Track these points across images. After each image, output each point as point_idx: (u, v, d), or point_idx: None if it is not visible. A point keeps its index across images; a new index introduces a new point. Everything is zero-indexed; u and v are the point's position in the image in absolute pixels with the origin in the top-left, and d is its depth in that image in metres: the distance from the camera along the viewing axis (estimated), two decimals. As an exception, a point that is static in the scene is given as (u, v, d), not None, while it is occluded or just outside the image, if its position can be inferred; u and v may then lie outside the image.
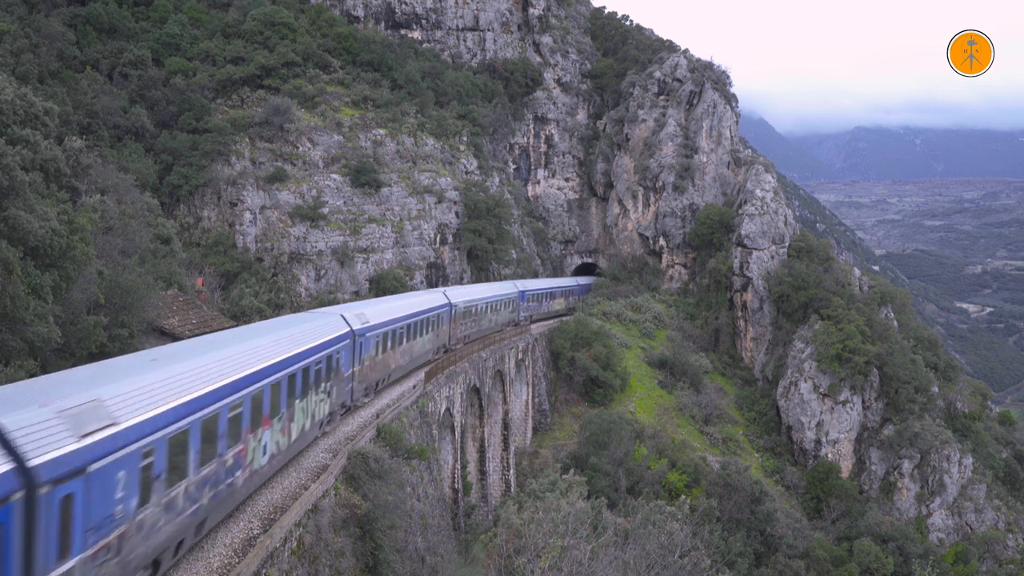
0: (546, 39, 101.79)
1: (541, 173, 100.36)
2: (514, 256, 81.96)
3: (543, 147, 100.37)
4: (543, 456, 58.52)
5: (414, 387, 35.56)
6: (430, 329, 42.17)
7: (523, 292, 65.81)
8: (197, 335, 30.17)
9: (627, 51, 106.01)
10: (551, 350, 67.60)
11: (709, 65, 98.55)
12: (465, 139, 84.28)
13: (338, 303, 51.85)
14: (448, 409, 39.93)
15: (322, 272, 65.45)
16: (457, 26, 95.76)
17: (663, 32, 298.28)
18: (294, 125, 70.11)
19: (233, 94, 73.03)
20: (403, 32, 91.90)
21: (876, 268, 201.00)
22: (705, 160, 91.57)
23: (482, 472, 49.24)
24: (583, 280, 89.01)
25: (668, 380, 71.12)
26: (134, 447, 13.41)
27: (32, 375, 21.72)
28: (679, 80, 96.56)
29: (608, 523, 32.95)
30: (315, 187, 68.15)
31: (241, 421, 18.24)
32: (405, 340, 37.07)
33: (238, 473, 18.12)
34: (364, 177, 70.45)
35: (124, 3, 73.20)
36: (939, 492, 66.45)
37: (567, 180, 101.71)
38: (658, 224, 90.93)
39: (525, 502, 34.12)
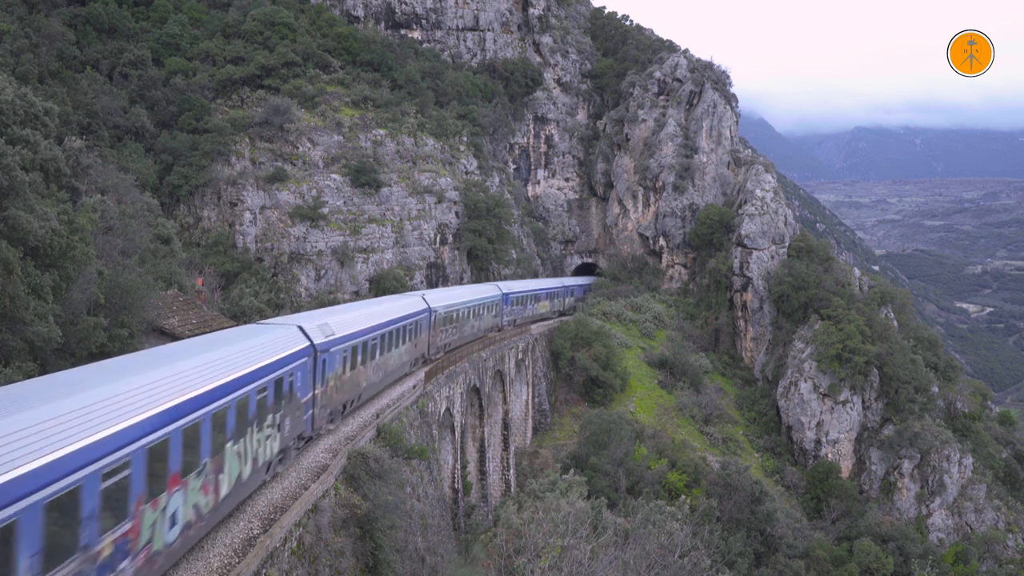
0: (546, 39, 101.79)
1: (541, 173, 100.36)
2: (514, 256, 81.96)
3: (543, 147, 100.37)
4: (543, 456, 58.52)
5: (414, 387, 35.55)
6: (407, 338, 38.01)
7: (507, 295, 61.45)
8: (197, 335, 30.06)
9: (627, 51, 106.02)
10: (551, 350, 67.59)
11: (709, 65, 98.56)
12: (465, 139, 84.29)
13: (338, 303, 51.81)
14: (448, 409, 39.93)
15: (322, 272, 65.46)
16: (457, 26, 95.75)
17: (663, 32, 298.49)
18: (294, 125, 70.12)
19: (233, 94, 73.03)
20: (403, 32, 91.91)
21: (876, 268, 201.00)
22: (705, 160, 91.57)
23: (482, 472, 49.24)
24: (569, 281, 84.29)
25: (668, 380, 71.12)
26: None
27: (32, 375, 21.73)
28: (679, 80, 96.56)
29: (608, 523, 32.95)
30: (315, 187, 68.15)
31: (127, 489, 13.41)
32: (379, 353, 32.88)
33: (124, 565, 13.22)
34: (364, 177, 70.46)
35: (124, 3, 73.20)
36: (939, 492, 66.45)
37: (567, 180, 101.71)
38: (658, 224, 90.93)
39: (525, 502, 34.13)
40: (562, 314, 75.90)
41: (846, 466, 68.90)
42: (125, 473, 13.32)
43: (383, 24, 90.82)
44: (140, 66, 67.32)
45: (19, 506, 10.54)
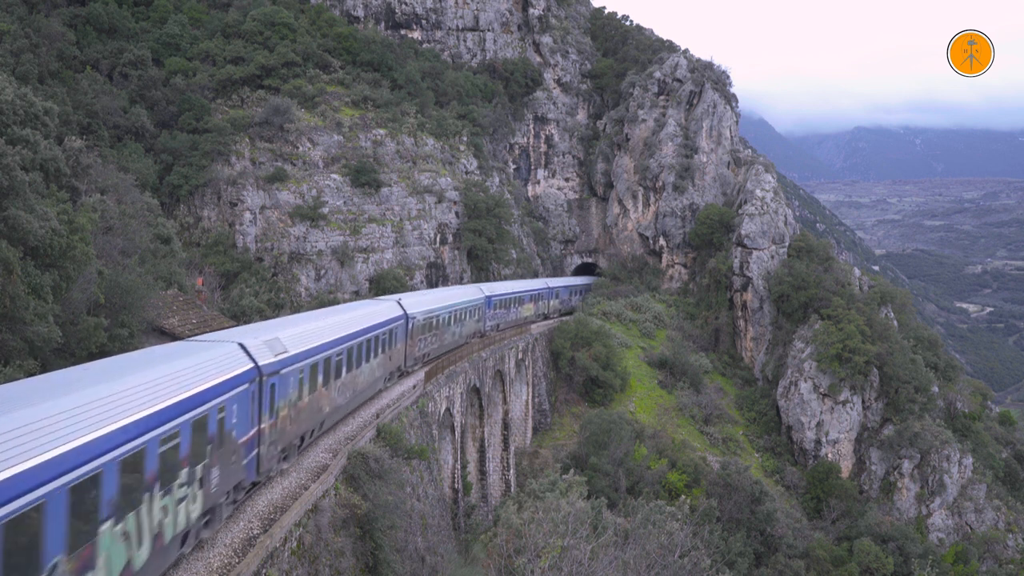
0: (546, 39, 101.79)
1: (541, 173, 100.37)
2: (514, 256, 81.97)
3: (543, 147, 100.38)
4: (543, 456, 58.53)
5: (414, 387, 35.55)
6: (381, 350, 33.58)
7: (489, 298, 56.93)
8: (197, 335, 30.03)
9: (627, 51, 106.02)
10: (551, 350, 67.60)
11: (709, 65, 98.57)
12: (465, 139, 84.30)
13: (338, 303, 51.70)
14: (448, 409, 39.93)
15: (322, 272, 65.47)
16: (457, 26, 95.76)
17: (663, 32, 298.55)
18: (294, 125, 70.12)
19: (233, 94, 73.04)
20: (403, 32, 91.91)
21: (876, 268, 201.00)
22: (705, 160, 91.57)
23: (482, 472, 49.25)
24: (554, 282, 79.23)
25: (668, 380, 71.12)
26: None
27: (32, 375, 21.73)
28: (679, 80, 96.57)
29: (608, 523, 32.96)
30: (315, 187, 68.16)
31: None
32: (346, 370, 28.25)
33: None
34: (364, 177, 70.46)
35: (124, 3, 73.20)
36: (939, 492, 66.45)
37: (567, 180, 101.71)
38: (658, 224, 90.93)
39: (525, 502, 34.13)
40: (546, 317, 72.16)
41: (846, 466, 68.91)
42: None
43: (383, 24, 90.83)
44: (140, 66, 67.33)
45: None
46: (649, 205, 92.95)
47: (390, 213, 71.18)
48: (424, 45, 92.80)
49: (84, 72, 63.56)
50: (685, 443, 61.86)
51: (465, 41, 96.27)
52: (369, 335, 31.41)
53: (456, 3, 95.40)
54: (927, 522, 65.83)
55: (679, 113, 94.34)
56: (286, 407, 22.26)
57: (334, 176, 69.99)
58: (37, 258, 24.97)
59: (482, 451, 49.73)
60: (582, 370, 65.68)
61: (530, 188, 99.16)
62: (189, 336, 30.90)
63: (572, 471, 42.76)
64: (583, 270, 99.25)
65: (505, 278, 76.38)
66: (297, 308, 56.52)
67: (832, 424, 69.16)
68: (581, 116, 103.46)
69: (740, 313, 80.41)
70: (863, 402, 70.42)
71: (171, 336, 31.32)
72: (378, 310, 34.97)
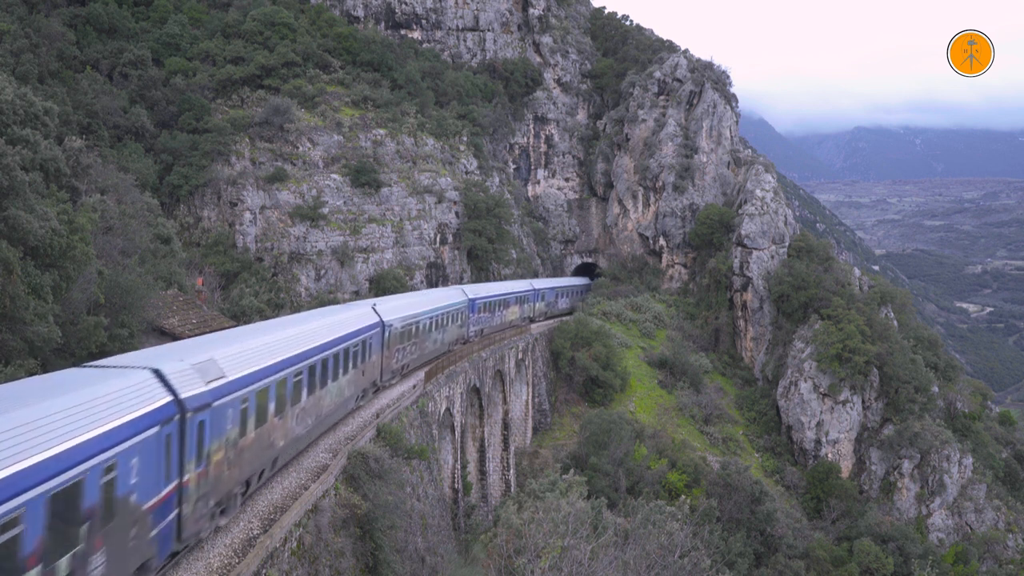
0: (546, 39, 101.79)
1: (541, 173, 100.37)
2: (514, 256, 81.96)
3: (543, 147, 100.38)
4: (543, 456, 58.53)
5: (414, 387, 35.55)
6: (353, 364, 29.27)
7: (473, 301, 53.23)
8: (197, 335, 30.00)
9: (627, 51, 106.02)
10: (551, 350, 67.60)
11: (709, 65, 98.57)
12: (465, 139, 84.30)
13: (338, 303, 51.54)
14: (448, 409, 39.93)
15: (322, 272, 65.47)
16: (457, 26, 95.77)
17: (663, 32, 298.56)
18: (294, 125, 70.13)
19: (233, 94, 73.05)
20: (403, 32, 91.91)
21: (876, 268, 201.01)
22: (705, 160, 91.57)
23: (482, 472, 49.26)
24: (540, 283, 74.43)
25: (668, 380, 71.12)
26: None
27: (32, 375, 21.73)
28: (679, 80, 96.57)
29: (608, 523, 32.95)
30: (315, 187, 68.16)
31: None
32: (307, 392, 23.88)
33: None
34: (364, 177, 70.47)
35: (124, 3, 73.22)
36: (939, 492, 66.45)
37: (567, 180, 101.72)
38: (658, 224, 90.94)
39: (525, 502, 34.12)
40: (531, 320, 68.31)
41: (846, 466, 68.91)
42: None
43: (383, 24, 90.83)
44: (140, 66, 67.35)
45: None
46: (649, 205, 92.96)
47: (390, 213, 71.19)
48: (424, 45, 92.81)
49: (84, 72, 63.58)
50: (685, 443, 61.86)
51: (465, 41, 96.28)
52: (338, 348, 27.09)
53: (456, 3, 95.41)
54: (927, 522, 65.83)
55: (679, 113, 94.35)
56: (222, 449, 17.64)
57: (334, 176, 69.99)
58: (37, 258, 24.97)
59: (482, 451, 49.74)
60: (582, 370, 65.68)
61: (530, 188, 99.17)
62: (189, 336, 30.87)
63: (572, 471, 42.76)
64: (583, 270, 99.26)
65: (505, 278, 76.31)
66: (297, 308, 56.50)
67: (832, 424, 69.17)
68: (581, 116, 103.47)
69: (740, 313, 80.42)
70: (863, 402, 70.42)
71: (171, 336, 31.32)
72: (349, 318, 30.62)
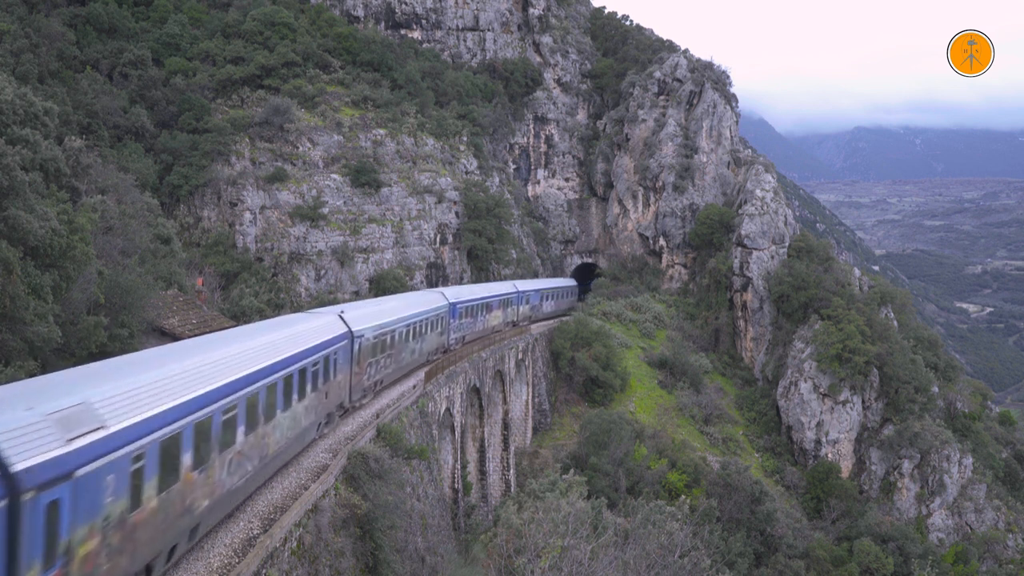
0: (546, 39, 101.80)
1: (541, 173, 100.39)
2: (514, 256, 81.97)
3: (543, 147, 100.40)
4: (543, 456, 58.53)
5: (414, 387, 35.55)
6: (312, 386, 24.50)
7: (454, 305, 48.97)
8: (197, 335, 29.98)
9: (627, 51, 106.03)
10: (551, 350, 67.59)
11: (709, 65, 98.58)
12: (465, 139, 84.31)
13: (338, 303, 51.39)
14: (448, 409, 39.93)
15: (322, 272, 65.48)
16: (457, 26, 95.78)
17: (663, 32, 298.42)
18: (294, 125, 70.14)
19: (233, 94, 73.05)
20: (403, 32, 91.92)
21: (876, 268, 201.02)
22: (705, 160, 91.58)
23: (482, 472, 49.27)
24: (524, 285, 68.80)
25: (668, 380, 71.13)
26: None
27: (32, 375, 21.73)
28: (679, 80, 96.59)
29: (608, 523, 32.96)
30: (315, 187, 68.17)
31: None
32: (246, 429, 18.91)
33: None
34: (364, 177, 70.48)
35: (124, 3, 73.22)
36: (939, 492, 66.46)
37: (567, 180, 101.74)
38: (658, 224, 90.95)
39: (525, 502, 34.13)
40: (514, 325, 63.61)
41: (846, 466, 68.91)
42: None
43: (383, 24, 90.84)
44: (140, 66, 67.35)
45: None
46: (649, 205, 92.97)
47: (390, 213, 71.19)
48: (424, 45, 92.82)
49: (84, 72, 63.58)
50: (685, 443, 61.87)
51: (465, 41, 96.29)
52: (291, 368, 22.19)
53: (456, 3, 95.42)
54: (927, 522, 65.84)
55: (679, 113, 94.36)
56: (96, 534, 12.52)
57: (334, 176, 70.00)
58: (37, 258, 24.97)
59: (482, 451, 49.74)
60: (582, 370, 65.68)
61: (530, 188, 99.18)
62: (189, 336, 30.86)
63: (572, 471, 42.77)
64: (583, 270, 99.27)
65: (505, 278, 76.21)
66: (297, 308, 56.44)
67: (832, 424, 69.17)
68: (581, 116, 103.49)
69: (740, 313, 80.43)
70: (863, 402, 70.42)
71: (172, 336, 31.33)
72: (309, 329, 25.86)
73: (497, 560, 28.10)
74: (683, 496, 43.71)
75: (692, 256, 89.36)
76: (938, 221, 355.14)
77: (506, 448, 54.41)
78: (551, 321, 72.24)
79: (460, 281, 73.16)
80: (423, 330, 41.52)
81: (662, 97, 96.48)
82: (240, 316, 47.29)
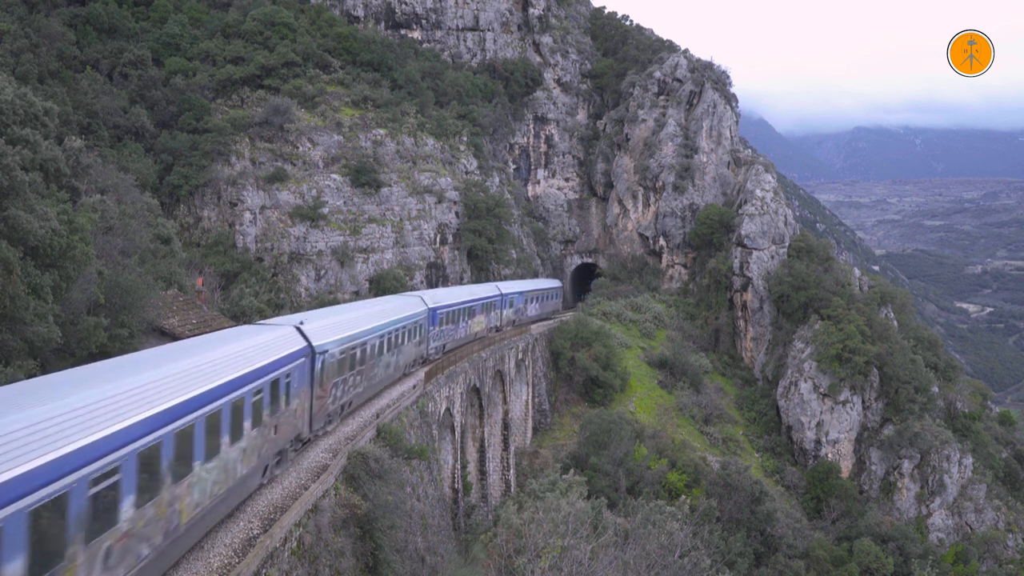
0: (546, 39, 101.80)
1: (541, 173, 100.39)
2: (514, 256, 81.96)
3: (543, 147, 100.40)
4: (543, 456, 58.53)
5: (414, 387, 35.53)
6: (257, 420, 19.84)
7: (434, 310, 44.56)
8: (197, 335, 29.95)
9: (627, 51, 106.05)
10: (551, 350, 67.57)
11: (709, 65, 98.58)
12: (465, 139, 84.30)
13: (338, 303, 51.29)
14: (448, 409, 39.92)
15: (322, 272, 65.46)
16: (457, 26, 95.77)
17: (663, 32, 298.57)
18: (294, 125, 70.12)
19: (233, 94, 73.04)
20: (403, 32, 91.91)
21: (876, 268, 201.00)
22: (705, 160, 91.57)
23: (482, 472, 49.25)
24: (508, 287, 64.04)
25: (668, 380, 71.13)
26: None
27: (32, 375, 21.73)
28: (679, 80, 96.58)
29: (608, 523, 32.97)
30: (315, 187, 68.15)
31: None
32: (130, 502, 13.51)
33: None
34: (364, 177, 70.47)
35: (124, 3, 73.21)
36: (939, 492, 66.46)
37: (567, 180, 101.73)
38: (658, 224, 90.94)
39: (525, 502, 34.13)
40: (498, 330, 59.60)
41: (846, 466, 68.91)
42: None
43: (383, 24, 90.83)
44: (140, 66, 67.34)
45: None
46: (649, 205, 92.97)
47: (390, 213, 71.18)
48: (424, 45, 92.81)
49: (84, 72, 63.57)
50: (685, 443, 61.86)
51: (465, 41, 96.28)
52: (218, 403, 17.22)
53: (456, 3, 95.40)
54: (927, 522, 65.83)
55: (679, 113, 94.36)
56: None
57: (334, 176, 69.99)
58: (37, 258, 24.96)
59: (482, 451, 49.73)
60: (582, 370, 65.67)
61: (530, 188, 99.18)
62: (189, 335, 30.85)
63: (572, 471, 42.77)
64: (583, 270, 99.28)
65: (505, 278, 76.18)
66: (297, 308, 56.42)
67: (832, 424, 69.17)
68: (581, 116, 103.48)
69: (740, 313, 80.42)
70: (863, 402, 70.42)
71: (171, 336, 31.32)
72: (254, 347, 20.76)
73: (497, 560, 28.10)
74: (683, 496, 43.72)
75: (692, 256, 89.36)
76: (938, 221, 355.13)
77: (506, 448, 54.40)
78: (551, 321, 72.19)
79: (460, 281, 73.15)
80: (399, 340, 36.73)
81: (662, 97, 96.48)
82: (240, 316, 47.27)
